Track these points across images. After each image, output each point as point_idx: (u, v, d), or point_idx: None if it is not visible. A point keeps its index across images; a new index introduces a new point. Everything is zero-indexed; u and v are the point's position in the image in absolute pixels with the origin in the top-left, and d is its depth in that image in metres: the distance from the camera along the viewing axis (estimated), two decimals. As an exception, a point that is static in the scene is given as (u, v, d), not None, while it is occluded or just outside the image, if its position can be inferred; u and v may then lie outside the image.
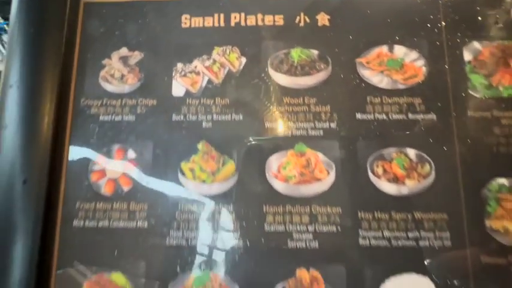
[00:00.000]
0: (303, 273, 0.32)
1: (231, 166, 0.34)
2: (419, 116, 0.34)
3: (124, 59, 0.36)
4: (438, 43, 0.35)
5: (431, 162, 0.33)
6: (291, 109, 0.34)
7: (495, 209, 0.32)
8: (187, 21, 0.37)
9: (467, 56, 0.35)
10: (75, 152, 0.34)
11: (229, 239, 0.32)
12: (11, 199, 0.32)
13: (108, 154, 0.35)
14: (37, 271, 0.32)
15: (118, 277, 0.33)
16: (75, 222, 0.33)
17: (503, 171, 0.32)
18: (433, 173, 0.33)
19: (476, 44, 0.35)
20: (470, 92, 0.34)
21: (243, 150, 0.34)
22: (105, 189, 0.34)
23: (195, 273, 0.32)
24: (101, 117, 0.35)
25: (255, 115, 0.34)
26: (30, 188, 0.32)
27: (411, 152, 0.33)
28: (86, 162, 0.34)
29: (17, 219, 0.31)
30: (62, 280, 0.32)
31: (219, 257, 0.32)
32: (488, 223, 0.32)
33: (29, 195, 0.32)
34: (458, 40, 0.35)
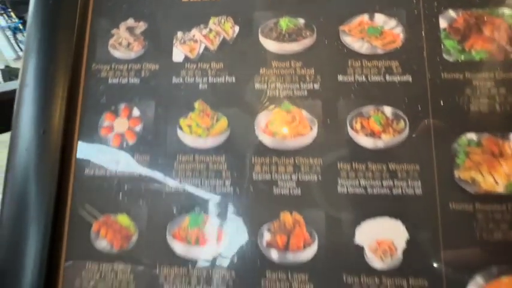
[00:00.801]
0: (286, 217, 0.35)
1: (223, 122, 0.37)
2: (396, 78, 0.37)
3: (130, 29, 0.41)
4: (416, 12, 0.38)
5: (406, 119, 0.36)
6: (278, 72, 0.38)
7: (464, 161, 0.35)
8: (187, -6, 0.41)
9: (442, 23, 0.38)
10: (87, 110, 0.39)
11: (221, 186, 0.36)
12: (32, 147, 0.36)
13: (116, 112, 0.39)
14: (54, 211, 0.36)
15: (123, 218, 0.37)
16: (87, 171, 0.38)
17: (473, 127, 0.35)
18: (407, 128, 0.36)
19: (451, 12, 0.38)
20: (445, 56, 0.37)
21: (235, 107, 0.38)
22: (113, 143, 0.38)
23: (190, 215, 0.36)
24: (110, 80, 0.40)
25: (246, 77, 0.38)
26: (48, 137, 0.36)
27: (388, 110, 0.36)
28: (96, 119, 0.39)
29: (36, 165, 0.36)
30: (75, 219, 0.37)
31: (212, 202, 0.36)
32: (457, 174, 0.34)
33: (48, 144, 0.36)
34: (435, 9, 0.38)
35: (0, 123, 0.58)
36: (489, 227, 0.33)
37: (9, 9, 3.55)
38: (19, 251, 0.34)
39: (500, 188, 0.33)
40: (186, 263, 0.35)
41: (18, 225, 0.35)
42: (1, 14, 3.65)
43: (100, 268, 0.35)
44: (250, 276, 0.34)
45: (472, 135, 0.35)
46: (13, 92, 0.41)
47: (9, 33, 3.71)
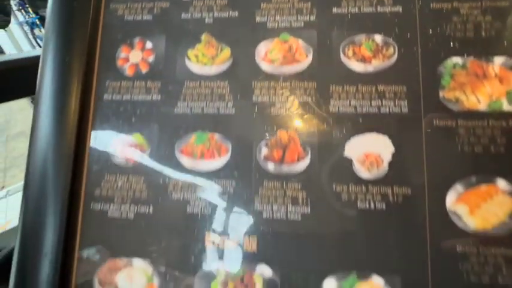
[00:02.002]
0: (282, 134, 0.39)
1: (227, 52, 0.41)
2: (387, 9, 0.40)
3: (144, -28, 0.45)
4: None
5: (395, 46, 0.39)
6: (277, 6, 0.41)
7: (448, 82, 0.37)
8: None
9: (433, -43, 0.40)
10: (105, 44, 0.43)
11: (224, 108, 0.41)
12: (58, 73, 0.42)
13: (131, 45, 0.43)
14: (77, 130, 0.42)
15: (137, 137, 0.41)
16: (105, 96, 0.42)
17: (459, 52, 0.37)
18: (396, 54, 0.39)
19: None
20: (434, -13, 0.40)
21: (238, 38, 0.42)
22: (128, 72, 0.43)
23: (196, 133, 0.41)
24: (125, 18, 0.44)
25: (248, 11, 0.42)
26: (71, 65, 0.41)
27: (378, 38, 0.39)
28: (113, 51, 0.44)
29: (61, 88, 0.41)
30: (97, 137, 0.42)
31: (216, 121, 0.40)
32: (441, 94, 0.37)
33: (71, 71, 0.41)
34: None
35: (28, 86, 0.64)
36: (470, 140, 0.36)
37: (27, 5, 3.70)
38: (48, 159, 0.39)
39: (482, 106, 0.36)
40: (192, 174, 0.39)
41: (49, 143, 0.41)
42: (19, 10, 3.81)
43: (117, 179, 0.40)
44: (249, 185, 0.38)
45: (457, 59, 0.37)
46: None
47: (26, 28, 3.87)
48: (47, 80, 0.40)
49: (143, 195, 0.39)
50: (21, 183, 0.41)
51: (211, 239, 0.37)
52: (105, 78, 0.42)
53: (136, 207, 0.39)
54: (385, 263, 0.34)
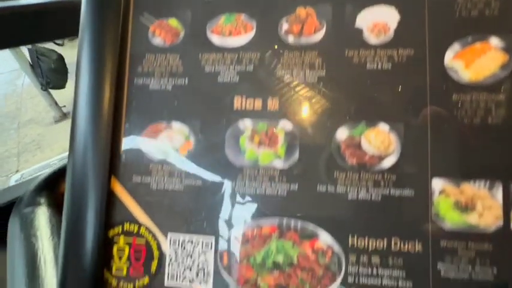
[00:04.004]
0: (301, 11, 0.46)
1: None
2: None
3: None
4: None
5: None
6: None
7: (449, -42, 0.43)
8: None
9: None
10: None
11: None
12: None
13: None
14: (123, 17, 0.49)
15: (173, 21, 0.49)
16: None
17: None
18: None
19: None
20: None
21: None
22: (163, -34, 0.50)
23: (225, 15, 0.47)
24: None
25: None
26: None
27: None
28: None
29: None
30: (136, 24, 0.49)
31: (242, 3, 0.46)
32: (443, -32, 0.43)
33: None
34: None
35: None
36: (467, 6, 0.41)
37: None
38: (96, 47, 0.47)
39: (479, -23, 0.42)
40: (222, 50, 0.46)
41: (96, 30, 0.48)
42: None
43: (156, 58, 0.47)
44: (271, 55, 0.44)
45: None
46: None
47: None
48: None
49: (179, 69, 0.46)
50: (35, 167, 0.47)
51: (239, 101, 0.44)
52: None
53: (173, 80, 0.46)
54: (390, 112, 0.41)
